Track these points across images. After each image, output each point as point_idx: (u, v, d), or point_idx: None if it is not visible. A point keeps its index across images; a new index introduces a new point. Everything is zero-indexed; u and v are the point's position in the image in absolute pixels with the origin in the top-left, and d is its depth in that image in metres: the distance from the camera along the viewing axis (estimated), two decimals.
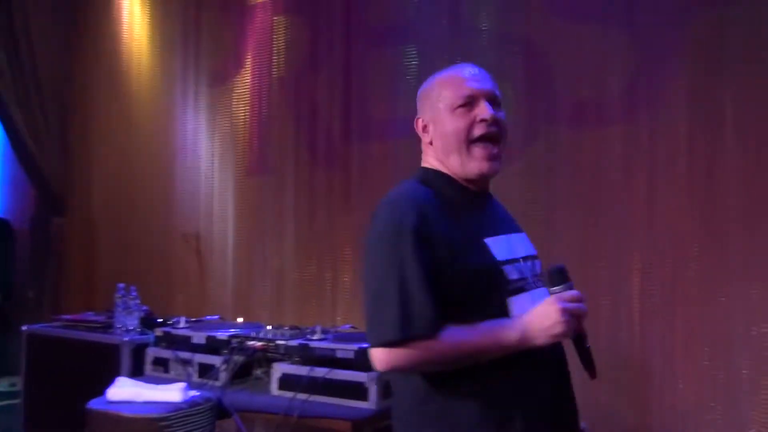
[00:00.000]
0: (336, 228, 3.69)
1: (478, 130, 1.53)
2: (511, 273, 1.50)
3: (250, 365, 2.84)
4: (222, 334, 2.94)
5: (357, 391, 2.49)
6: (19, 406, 3.69)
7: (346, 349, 2.60)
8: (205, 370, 2.85)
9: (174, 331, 3.10)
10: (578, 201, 3.16)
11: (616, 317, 3.05)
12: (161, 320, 3.45)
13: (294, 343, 2.74)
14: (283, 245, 3.87)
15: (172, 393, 2.58)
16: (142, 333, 3.32)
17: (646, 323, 3.00)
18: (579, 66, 3.17)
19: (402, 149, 3.46)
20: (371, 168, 3.62)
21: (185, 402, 2.55)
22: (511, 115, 1.65)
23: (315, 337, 2.81)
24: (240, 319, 3.61)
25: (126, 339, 3.23)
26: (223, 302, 4.05)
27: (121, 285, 3.44)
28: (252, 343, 2.83)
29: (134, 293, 3.41)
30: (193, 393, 2.64)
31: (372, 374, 2.48)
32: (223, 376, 2.77)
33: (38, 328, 3.64)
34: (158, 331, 3.15)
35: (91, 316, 3.72)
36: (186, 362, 2.92)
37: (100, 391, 2.63)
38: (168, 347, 3.04)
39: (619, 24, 3.07)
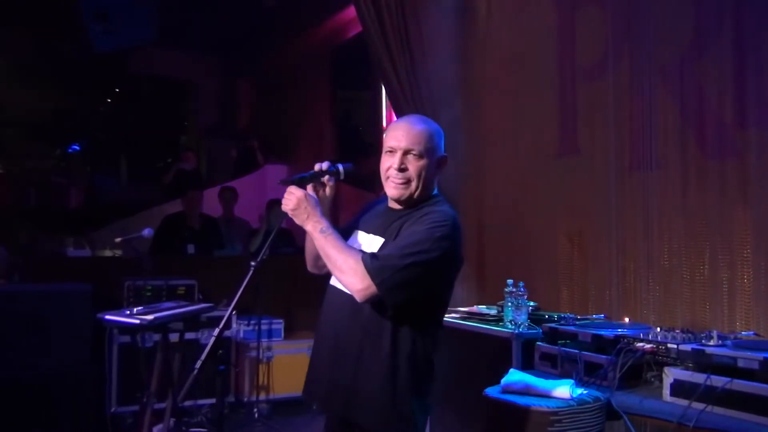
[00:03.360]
0: (732, 224, 3.37)
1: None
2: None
3: (638, 367, 2.77)
4: (609, 334, 2.92)
5: (764, 406, 2.26)
6: None
7: (749, 359, 2.37)
8: (592, 369, 2.86)
9: (561, 328, 3.18)
10: None
11: None
12: (548, 316, 3.56)
13: (687, 347, 2.60)
14: (672, 243, 3.67)
15: (562, 389, 2.66)
16: (530, 328, 3.47)
17: None
18: None
19: None
20: None
21: (574, 399, 2.61)
22: None
23: (711, 343, 2.63)
24: (626, 320, 3.54)
25: (516, 332, 3.41)
26: (607, 301, 4.00)
27: (511, 281, 3.64)
28: (641, 344, 2.76)
29: (523, 289, 3.58)
30: (582, 391, 2.69)
31: None
32: (612, 376, 2.75)
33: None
34: (545, 327, 3.27)
35: (482, 309, 4.01)
36: (573, 360, 2.97)
37: (495, 380, 2.84)
38: (555, 344, 3.13)
39: None
